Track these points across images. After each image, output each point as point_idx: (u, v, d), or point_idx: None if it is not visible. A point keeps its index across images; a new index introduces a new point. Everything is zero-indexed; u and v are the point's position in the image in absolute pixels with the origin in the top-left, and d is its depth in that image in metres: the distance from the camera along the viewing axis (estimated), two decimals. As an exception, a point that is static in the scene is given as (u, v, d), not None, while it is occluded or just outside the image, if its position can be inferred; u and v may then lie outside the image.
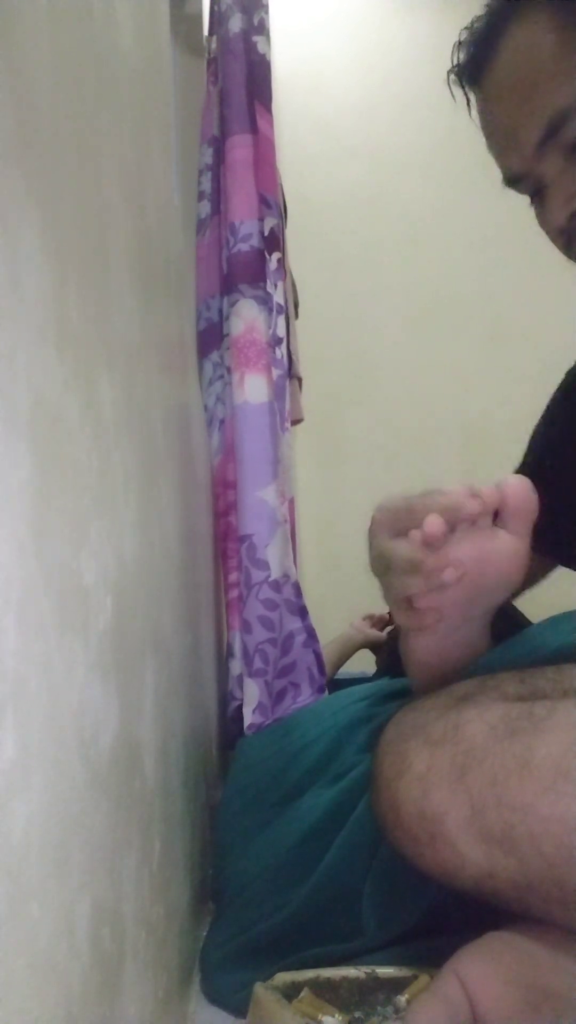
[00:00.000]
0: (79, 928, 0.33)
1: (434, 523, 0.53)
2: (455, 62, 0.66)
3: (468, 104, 0.66)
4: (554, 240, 0.66)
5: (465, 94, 0.66)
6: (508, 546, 0.55)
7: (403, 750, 0.50)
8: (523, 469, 0.86)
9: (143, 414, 0.57)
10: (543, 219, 0.65)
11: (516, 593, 0.86)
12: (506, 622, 0.63)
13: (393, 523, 0.57)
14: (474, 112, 0.67)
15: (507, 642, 0.60)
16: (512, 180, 0.65)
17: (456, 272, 2.26)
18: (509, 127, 0.62)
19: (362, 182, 2.26)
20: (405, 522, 0.56)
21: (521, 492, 0.54)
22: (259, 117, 1.10)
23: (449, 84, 0.66)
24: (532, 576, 0.85)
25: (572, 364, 0.83)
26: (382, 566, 0.57)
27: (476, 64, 0.64)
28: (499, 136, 0.64)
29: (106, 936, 0.38)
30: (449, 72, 0.66)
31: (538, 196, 0.64)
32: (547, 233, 0.66)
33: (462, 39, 0.65)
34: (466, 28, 0.65)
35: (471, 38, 0.64)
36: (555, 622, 0.61)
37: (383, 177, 2.26)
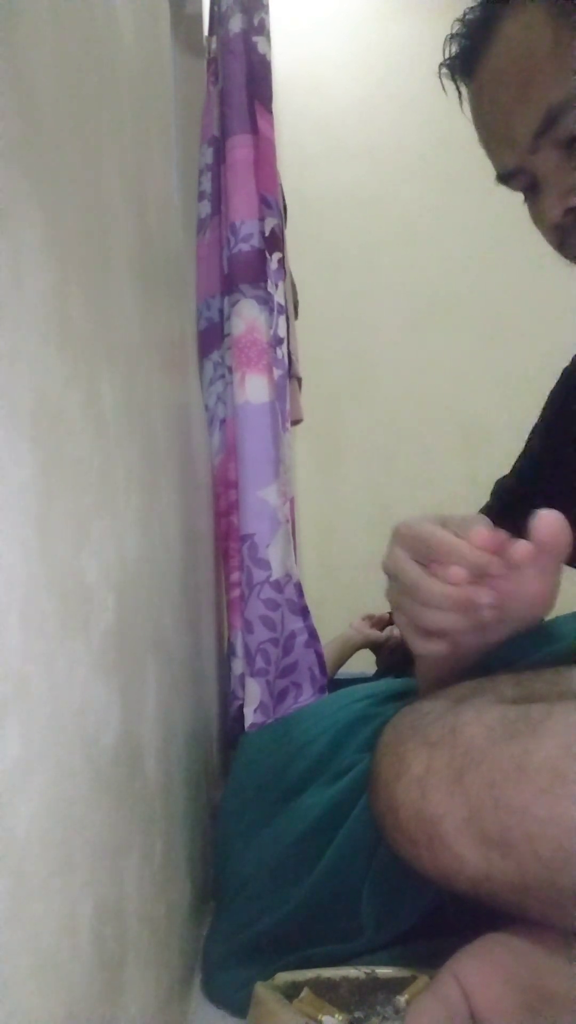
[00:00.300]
0: (81, 927, 0.33)
1: (457, 576, 0.52)
2: (447, 54, 0.64)
3: (460, 98, 0.65)
4: (548, 236, 0.65)
5: (457, 88, 0.65)
6: (536, 587, 0.53)
7: (401, 752, 0.50)
8: (520, 464, 0.87)
9: (144, 413, 0.57)
10: (537, 215, 0.64)
11: None
12: None
13: (414, 548, 0.55)
14: (467, 107, 0.65)
15: (505, 643, 0.60)
16: (505, 176, 0.64)
17: (455, 272, 2.26)
18: (503, 121, 0.61)
19: (362, 182, 2.26)
20: (423, 552, 0.54)
21: (554, 532, 0.51)
22: (259, 117, 1.10)
23: (441, 77, 0.65)
24: None
25: (569, 362, 0.83)
26: (400, 588, 0.56)
27: (469, 57, 0.63)
28: (492, 130, 0.63)
29: (108, 935, 0.38)
30: (441, 65, 0.65)
31: (532, 192, 0.63)
32: (541, 229, 0.65)
33: (454, 31, 0.64)
34: (458, 20, 0.63)
35: (464, 30, 0.63)
36: (555, 624, 0.61)
37: (383, 177, 2.27)
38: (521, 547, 0.51)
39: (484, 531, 0.52)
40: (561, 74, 0.56)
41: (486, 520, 0.56)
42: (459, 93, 0.65)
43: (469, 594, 0.52)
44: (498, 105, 0.61)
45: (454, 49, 0.64)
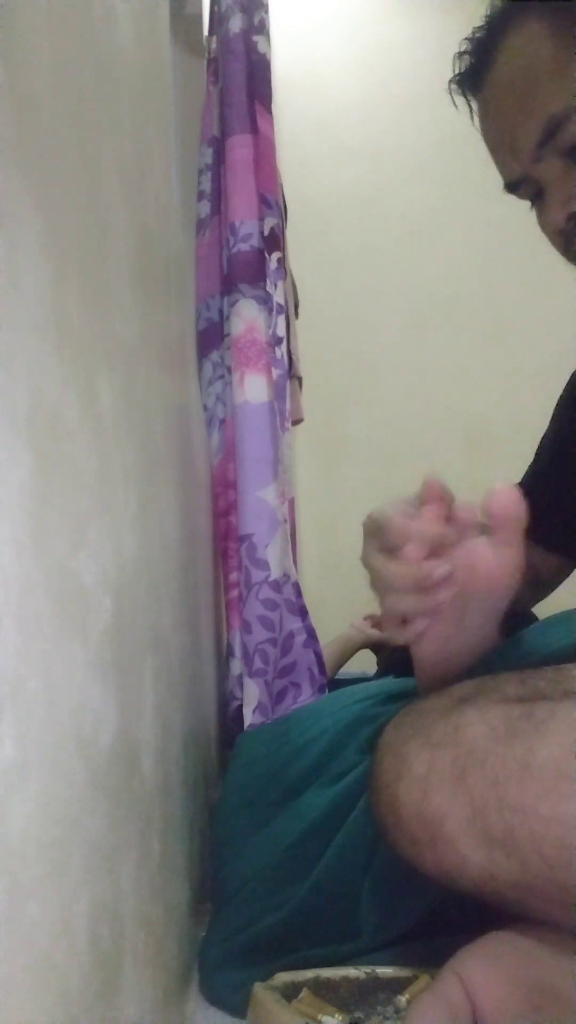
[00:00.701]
0: (78, 928, 0.33)
1: (411, 554, 0.53)
2: (456, 72, 0.67)
3: (471, 113, 0.68)
4: (554, 242, 0.66)
5: (468, 102, 0.68)
6: (496, 556, 0.54)
7: (403, 752, 0.49)
8: (534, 469, 0.87)
9: (143, 414, 0.57)
10: (543, 222, 0.66)
11: (538, 597, 0.86)
12: (516, 620, 0.63)
13: (377, 536, 0.57)
14: (476, 119, 0.68)
15: (507, 641, 0.60)
16: (512, 185, 0.66)
17: (456, 272, 2.26)
18: (508, 132, 0.63)
19: (362, 182, 2.26)
20: (385, 540, 0.55)
21: (506, 502, 0.53)
22: (259, 117, 1.10)
23: (451, 94, 0.68)
24: (551, 578, 0.86)
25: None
26: (370, 578, 0.57)
27: (476, 73, 0.65)
28: (498, 141, 0.65)
29: (105, 936, 0.38)
30: (450, 82, 0.67)
31: (538, 200, 0.65)
32: (547, 236, 0.67)
33: (462, 49, 0.66)
34: (466, 39, 0.66)
35: (470, 47, 0.66)
36: (556, 622, 0.61)
37: (383, 177, 2.27)
38: (464, 506, 0.53)
39: (431, 507, 0.54)
40: (562, 85, 0.58)
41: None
42: (470, 108, 0.68)
43: (424, 570, 0.53)
44: (503, 117, 0.63)
45: (462, 66, 0.67)
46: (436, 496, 0.54)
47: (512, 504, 0.53)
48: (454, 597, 0.54)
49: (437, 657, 0.59)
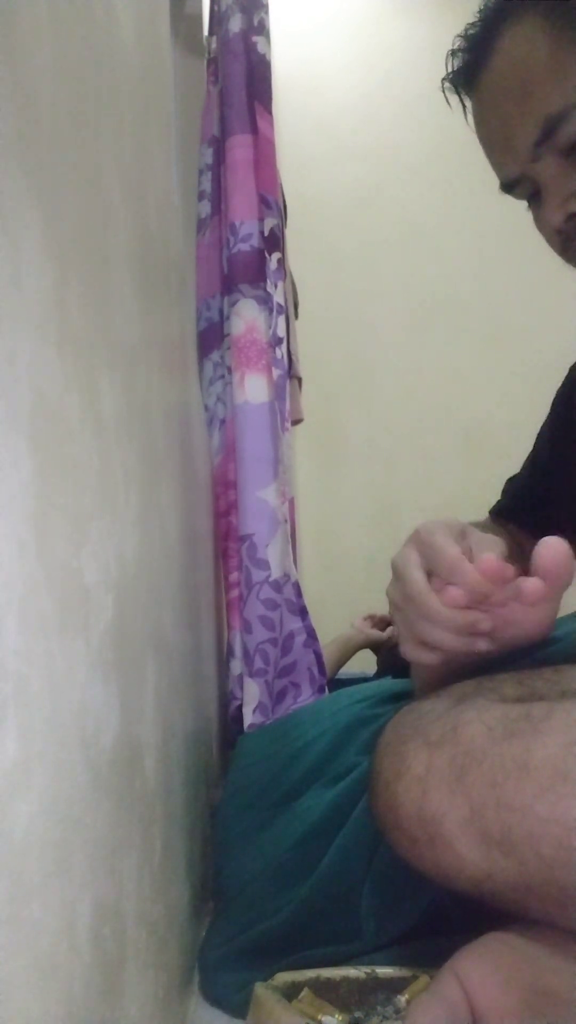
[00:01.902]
0: (80, 928, 0.33)
1: (456, 598, 0.52)
2: (450, 69, 0.66)
3: (464, 111, 0.67)
4: (551, 242, 0.66)
5: (461, 101, 0.66)
6: (537, 616, 0.53)
7: (402, 752, 0.50)
8: (532, 460, 0.87)
9: (143, 414, 0.57)
10: (540, 223, 0.65)
11: None
12: None
13: (425, 555, 0.55)
14: (471, 118, 0.67)
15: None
16: (509, 185, 0.65)
17: (455, 272, 2.26)
18: (504, 131, 0.62)
19: (362, 182, 2.26)
20: (432, 564, 0.54)
21: (557, 560, 0.51)
22: (259, 117, 1.10)
23: (444, 92, 0.67)
24: None
25: (575, 360, 0.83)
26: (403, 593, 0.56)
27: (470, 70, 0.64)
28: (494, 141, 0.64)
29: (107, 936, 0.38)
30: (444, 79, 0.66)
31: (535, 200, 0.65)
32: (544, 236, 0.66)
33: (456, 46, 0.65)
34: (459, 36, 0.65)
35: (465, 44, 0.64)
36: (556, 623, 0.61)
37: (383, 177, 2.27)
38: (531, 585, 0.51)
39: (492, 560, 0.51)
40: (559, 84, 0.58)
41: (502, 546, 0.56)
42: (463, 106, 0.67)
43: (469, 619, 0.52)
44: (499, 116, 0.62)
45: (456, 64, 0.65)
46: (495, 570, 0.52)
47: (564, 559, 0.51)
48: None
49: (441, 670, 0.59)
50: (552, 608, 0.54)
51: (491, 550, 0.55)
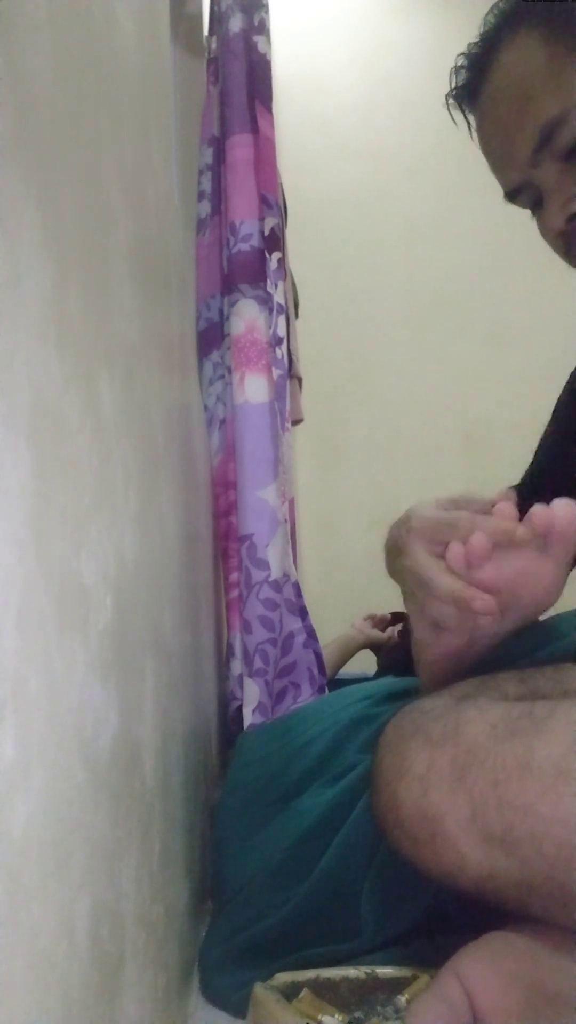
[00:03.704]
0: (79, 928, 0.33)
1: (480, 544, 0.53)
2: (453, 86, 0.68)
3: (469, 127, 0.68)
4: (554, 246, 0.67)
5: (465, 117, 0.68)
6: (547, 571, 0.55)
7: (403, 750, 0.50)
8: (533, 468, 0.87)
9: (143, 414, 0.57)
10: (543, 227, 0.67)
11: None
12: None
13: (433, 534, 0.57)
14: (475, 134, 0.68)
15: (508, 641, 0.60)
16: (512, 194, 0.66)
17: (456, 272, 2.26)
18: (504, 141, 0.64)
19: (362, 182, 2.26)
20: (446, 535, 0.56)
21: (570, 517, 0.53)
22: (259, 117, 1.10)
23: (448, 108, 0.69)
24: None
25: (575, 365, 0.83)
26: (414, 582, 0.57)
27: (472, 85, 0.66)
28: (496, 151, 0.66)
29: (106, 936, 0.38)
30: (447, 96, 0.68)
31: (538, 208, 0.66)
32: (548, 242, 0.67)
33: (458, 64, 0.67)
34: (462, 54, 0.67)
35: (467, 63, 0.66)
36: (557, 622, 0.61)
37: (383, 177, 2.26)
38: (540, 515, 0.53)
39: (506, 504, 0.54)
40: (555, 90, 0.59)
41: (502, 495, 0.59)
42: (468, 122, 0.69)
43: (469, 591, 0.54)
44: (499, 126, 0.64)
45: (459, 80, 0.67)
46: (508, 506, 0.55)
47: (571, 514, 0.53)
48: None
49: (449, 660, 0.59)
50: (562, 570, 0.55)
51: (492, 499, 0.57)
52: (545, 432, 0.86)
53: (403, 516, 0.61)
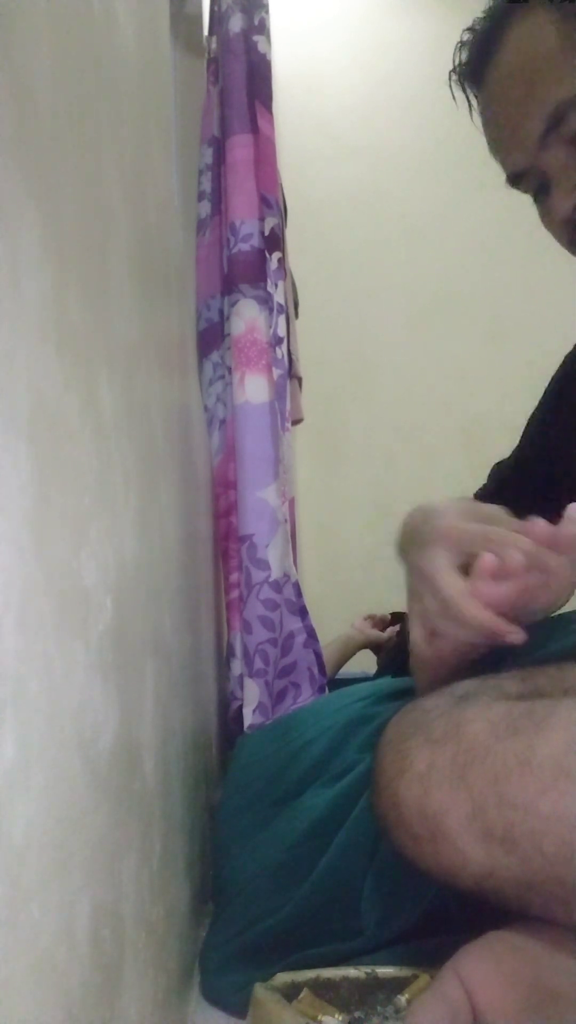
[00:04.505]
0: (79, 929, 0.33)
1: (519, 561, 0.52)
2: (457, 62, 0.65)
3: (469, 106, 0.66)
4: (558, 234, 0.65)
5: (466, 96, 0.66)
6: (559, 583, 0.54)
7: (404, 749, 0.50)
8: (519, 448, 0.87)
9: (143, 414, 0.57)
10: (547, 214, 0.65)
11: None
12: None
13: (460, 543, 0.56)
14: (475, 114, 0.66)
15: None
16: (515, 177, 0.64)
17: (456, 271, 2.26)
18: (512, 122, 0.62)
19: (362, 182, 2.26)
20: (477, 545, 0.55)
21: None
22: (259, 117, 1.10)
23: (451, 85, 0.66)
24: None
25: (571, 349, 0.83)
26: (427, 588, 0.56)
27: (478, 63, 0.64)
28: (502, 132, 0.64)
29: (106, 937, 0.38)
30: (451, 72, 0.66)
31: (542, 193, 0.64)
32: (551, 228, 0.65)
33: (463, 40, 0.65)
34: (467, 29, 0.65)
35: (473, 38, 0.64)
36: (557, 620, 0.61)
37: (383, 177, 2.26)
38: (568, 534, 0.52)
39: (541, 524, 0.53)
40: (568, 72, 0.57)
41: (506, 511, 0.58)
42: (468, 103, 0.66)
43: (501, 627, 0.53)
44: (507, 106, 0.62)
45: (463, 57, 0.65)
46: (548, 534, 0.54)
47: None
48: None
49: (444, 663, 0.59)
50: (573, 578, 0.55)
51: (514, 521, 0.56)
52: (535, 410, 0.86)
53: (426, 508, 0.59)
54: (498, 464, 0.89)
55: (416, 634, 0.59)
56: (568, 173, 0.60)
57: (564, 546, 0.52)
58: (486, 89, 0.64)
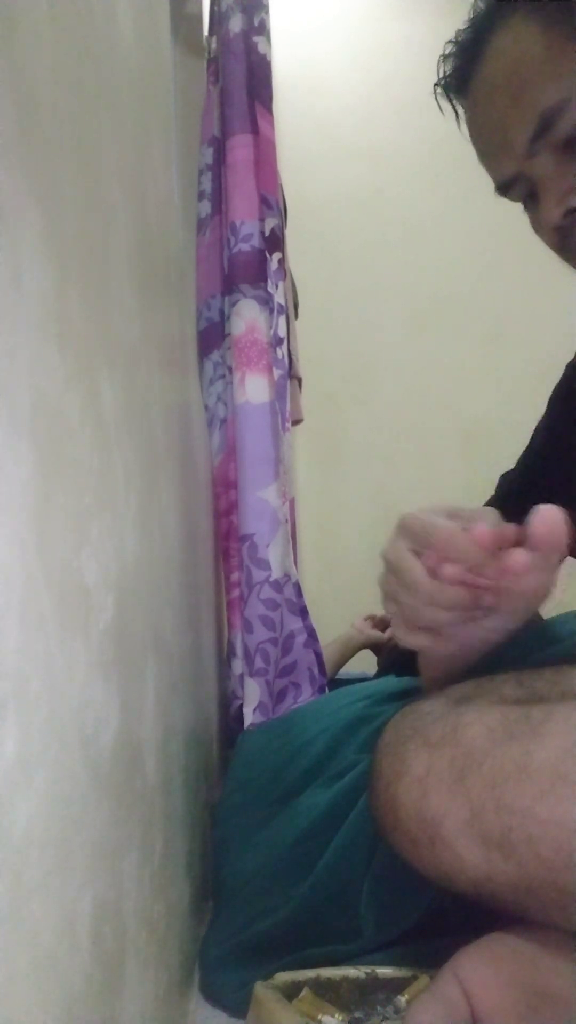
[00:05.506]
0: (80, 926, 0.33)
1: (450, 575, 0.51)
2: (441, 74, 0.65)
3: (457, 117, 0.66)
4: (548, 241, 0.64)
5: (452, 107, 0.66)
6: (533, 582, 0.53)
7: (402, 752, 0.50)
8: (525, 457, 0.87)
9: (144, 413, 0.57)
10: (537, 221, 0.64)
11: None
12: None
13: (415, 538, 0.55)
14: (463, 124, 0.66)
15: (506, 642, 0.60)
16: (504, 186, 0.64)
17: (455, 272, 2.26)
18: (499, 129, 0.61)
19: (362, 182, 2.26)
20: (424, 543, 0.54)
21: (550, 527, 0.51)
22: (260, 117, 1.10)
23: (436, 97, 0.66)
24: None
25: (573, 357, 0.83)
26: (398, 582, 0.55)
27: (463, 73, 0.63)
28: (489, 140, 0.64)
29: (107, 934, 0.38)
30: (436, 84, 0.66)
31: (531, 200, 0.64)
32: (541, 235, 0.65)
33: (447, 51, 0.65)
34: (450, 41, 0.64)
35: (456, 49, 0.64)
36: (556, 623, 0.61)
37: (383, 177, 2.26)
38: (517, 556, 0.50)
39: (484, 529, 0.51)
40: (554, 77, 0.57)
41: (495, 514, 0.56)
42: (455, 113, 0.66)
43: (472, 597, 0.52)
44: (493, 114, 0.61)
45: (448, 68, 0.65)
46: (489, 538, 0.52)
47: (557, 526, 0.51)
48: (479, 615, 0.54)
49: (449, 657, 0.59)
50: (547, 575, 0.53)
51: (483, 520, 0.55)
52: (539, 422, 0.86)
53: (399, 521, 0.59)
54: (504, 475, 0.90)
55: (399, 635, 0.58)
56: (557, 179, 0.60)
57: (536, 544, 0.52)
58: (472, 99, 0.64)
